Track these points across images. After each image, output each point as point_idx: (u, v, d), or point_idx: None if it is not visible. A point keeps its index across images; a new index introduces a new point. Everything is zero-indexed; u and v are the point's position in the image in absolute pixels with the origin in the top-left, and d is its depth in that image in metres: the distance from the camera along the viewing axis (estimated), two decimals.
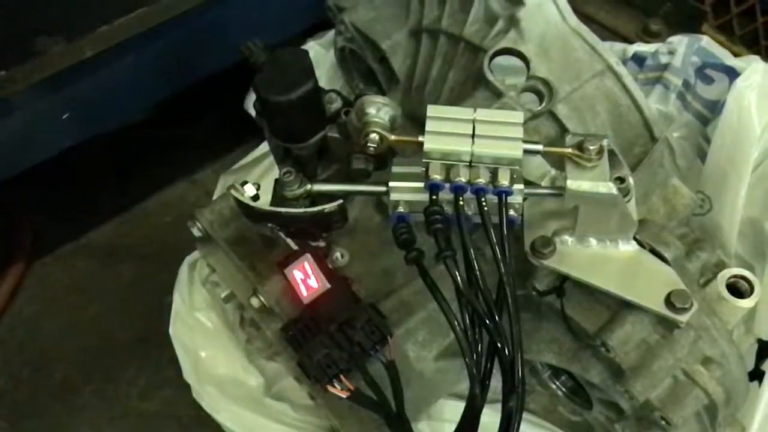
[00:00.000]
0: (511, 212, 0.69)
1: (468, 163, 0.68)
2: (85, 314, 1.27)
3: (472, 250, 0.66)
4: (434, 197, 0.68)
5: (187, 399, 1.02)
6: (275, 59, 0.75)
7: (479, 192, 0.67)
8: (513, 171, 0.67)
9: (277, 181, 0.83)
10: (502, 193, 0.67)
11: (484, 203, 0.67)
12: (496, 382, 0.67)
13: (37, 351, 1.24)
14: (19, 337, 1.26)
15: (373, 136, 0.70)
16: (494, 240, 0.66)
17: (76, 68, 0.94)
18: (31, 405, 1.19)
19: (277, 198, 0.81)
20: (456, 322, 0.65)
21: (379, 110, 0.71)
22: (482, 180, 0.67)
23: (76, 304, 1.28)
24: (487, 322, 0.65)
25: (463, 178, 0.67)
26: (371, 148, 0.71)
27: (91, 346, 1.23)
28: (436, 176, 0.67)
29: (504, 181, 0.67)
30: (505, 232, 0.67)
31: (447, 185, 0.68)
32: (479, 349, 0.66)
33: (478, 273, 0.66)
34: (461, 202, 0.67)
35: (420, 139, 0.68)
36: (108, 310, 1.27)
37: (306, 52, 0.77)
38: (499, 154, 0.67)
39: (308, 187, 0.74)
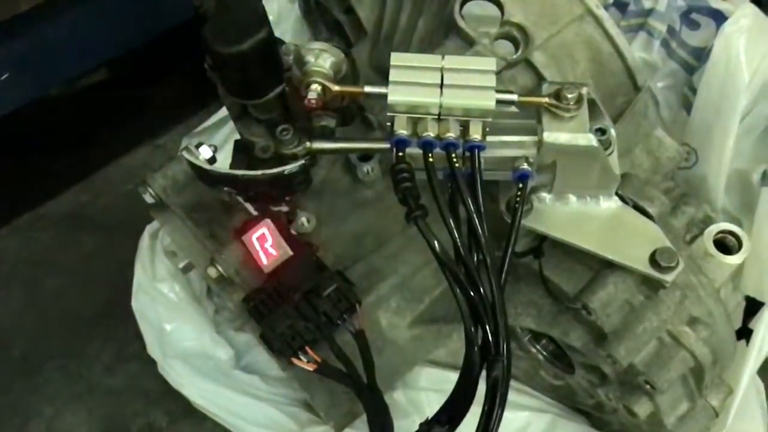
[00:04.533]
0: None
1: (437, 116, 0.63)
2: (45, 288, 1.22)
3: (448, 211, 0.61)
4: (401, 154, 0.64)
5: (155, 373, 0.98)
6: (224, 7, 0.69)
7: (449, 147, 0.63)
8: (485, 123, 0.63)
9: (236, 142, 0.78)
10: (475, 148, 0.63)
11: (455, 159, 0.63)
12: None
13: None
14: None
15: (315, 86, 0.66)
16: (468, 201, 0.61)
17: (12, 23, 0.89)
18: None
19: (238, 160, 0.76)
20: (457, 290, 0.60)
21: (318, 57, 0.66)
22: (452, 134, 0.63)
23: (35, 278, 1.23)
24: (469, 290, 0.60)
25: (431, 133, 0.63)
26: (312, 101, 0.65)
27: (52, 321, 1.19)
28: (402, 131, 0.63)
29: (476, 134, 0.63)
30: (479, 190, 0.62)
31: (414, 141, 0.63)
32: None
33: (457, 238, 0.61)
34: (431, 159, 0.63)
35: (367, 89, 0.64)
36: (69, 284, 1.22)
37: None
38: (470, 105, 0.63)
39: (307, 144, 0.69)
